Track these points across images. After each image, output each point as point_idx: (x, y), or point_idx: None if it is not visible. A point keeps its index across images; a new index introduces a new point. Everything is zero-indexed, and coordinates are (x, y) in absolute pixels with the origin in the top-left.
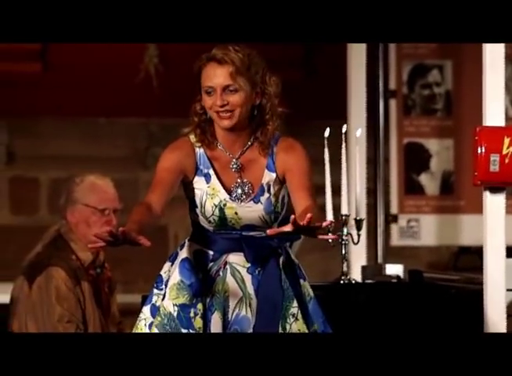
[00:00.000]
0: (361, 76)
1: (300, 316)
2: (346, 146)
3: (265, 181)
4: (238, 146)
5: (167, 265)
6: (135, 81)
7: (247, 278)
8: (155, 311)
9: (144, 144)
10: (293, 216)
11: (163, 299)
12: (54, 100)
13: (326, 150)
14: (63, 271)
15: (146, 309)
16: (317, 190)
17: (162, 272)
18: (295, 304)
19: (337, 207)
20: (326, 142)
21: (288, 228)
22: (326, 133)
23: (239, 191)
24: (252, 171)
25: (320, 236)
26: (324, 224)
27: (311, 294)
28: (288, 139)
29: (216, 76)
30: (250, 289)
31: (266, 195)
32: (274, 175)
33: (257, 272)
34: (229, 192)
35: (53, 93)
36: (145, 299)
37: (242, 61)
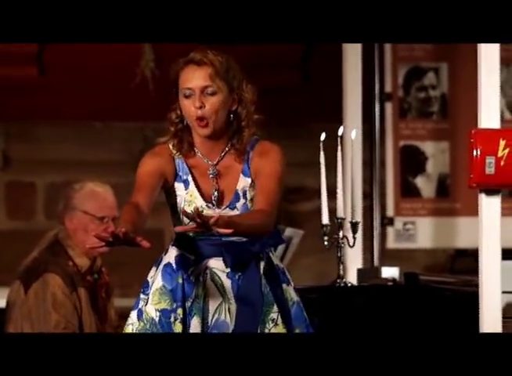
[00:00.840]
0: (356, 79)
1: (280, 321)
2: (342, 149)
3: (239, 187)
4: (216, 153)
5: (153, 269)
6: (131, 86)
7: (227, 283)
8: (141, 316)
9: (140, 148)
10: (183, 210)
11: (146, 304)
12: (50, 104)
13: (322, 153)
14: (60, 278)
15: (133, 314)
16: (313, 193)
17: (148, 278)
18: (275, 309)
19: (332, 210)
20: (321, 145)
21: (192, 224)
22: (322, 136)
23: (215, 198)
24: (228, 177)
25: (221, 230)
26: (212, 220)
27: (295, 298)
28: (265, 142)
29: (195, 77)
30: (230, 294)
31: (242, 201)
32: (249, 180)
33: (237, 277)
34: (206, 199)
35: (49, 97)
36: None
37: (220, 63)
